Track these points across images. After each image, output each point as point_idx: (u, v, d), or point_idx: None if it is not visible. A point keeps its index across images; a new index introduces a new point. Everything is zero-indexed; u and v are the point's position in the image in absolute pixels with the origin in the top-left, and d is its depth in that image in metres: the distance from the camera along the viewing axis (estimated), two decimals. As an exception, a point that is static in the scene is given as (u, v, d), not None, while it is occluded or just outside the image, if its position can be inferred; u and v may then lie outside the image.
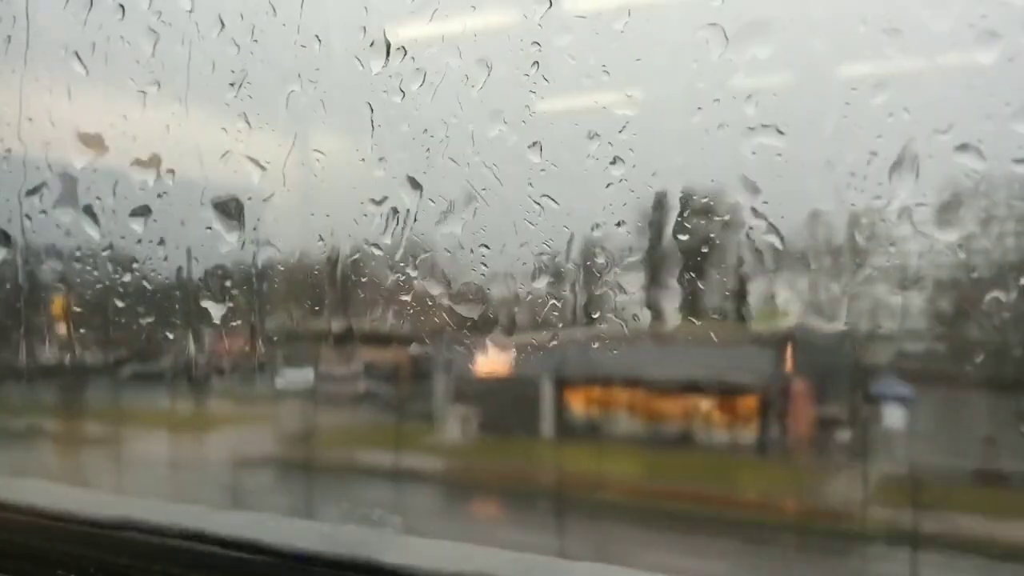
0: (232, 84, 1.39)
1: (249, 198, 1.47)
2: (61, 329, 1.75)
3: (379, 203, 1.34)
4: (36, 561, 1.42)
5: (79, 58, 1.55)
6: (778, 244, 1.13)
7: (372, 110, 1.32)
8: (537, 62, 1.18)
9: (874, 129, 1.02)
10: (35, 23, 1.60)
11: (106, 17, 1.51)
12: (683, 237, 1.20)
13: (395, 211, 1.33)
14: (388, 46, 1.28)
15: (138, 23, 1.47)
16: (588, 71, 1.17)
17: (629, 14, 1.13)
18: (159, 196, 1.51)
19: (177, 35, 1.43)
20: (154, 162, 1.49)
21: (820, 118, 1.07)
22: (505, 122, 1.23)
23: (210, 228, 1.49)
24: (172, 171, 1.50)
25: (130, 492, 2.21)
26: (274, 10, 1.36)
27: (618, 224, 1.20)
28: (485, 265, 1.29)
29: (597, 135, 1.18)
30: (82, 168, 1.58)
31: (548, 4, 1.17)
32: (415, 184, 1.31)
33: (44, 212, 1.62)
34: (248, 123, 1.41)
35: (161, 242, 1.54)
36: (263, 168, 1.43)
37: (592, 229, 1.23)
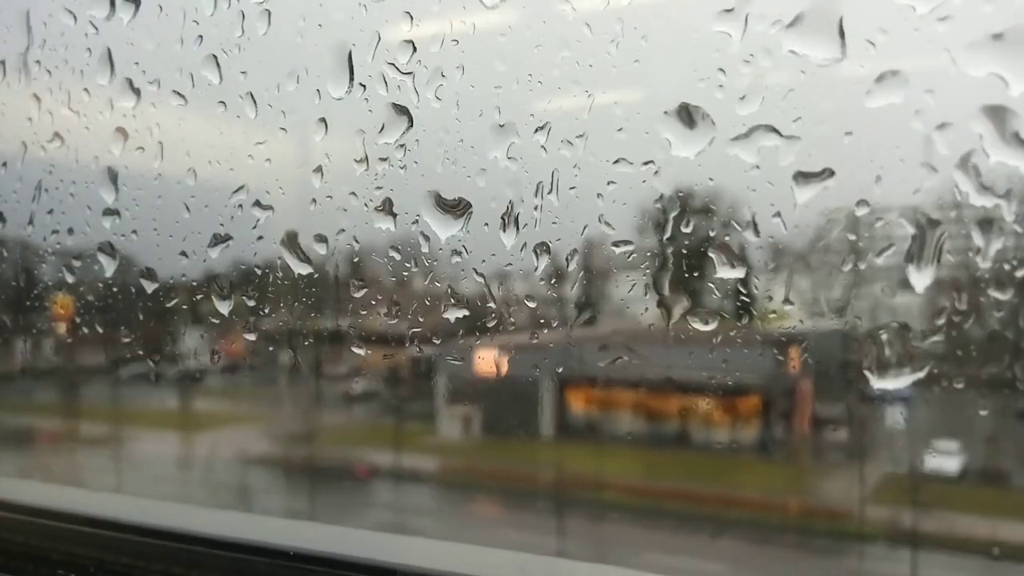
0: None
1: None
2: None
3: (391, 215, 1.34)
4: (36, 561, 1.42)
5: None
6: (779, 243, 1.13)
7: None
8: (538, 60, 1.18)
9: (876, 128, 1.02)
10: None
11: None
12: (683, 236, 1.19)
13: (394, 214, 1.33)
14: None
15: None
16: (588, 71, 1.17)
17: (628, 15, 1.13)
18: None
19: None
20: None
21: (822, 117, 1.07)
22: (505, 121, 1.22)
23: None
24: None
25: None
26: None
27: (615, 227, 1.20)
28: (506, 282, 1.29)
29: (597, 134, 1.18)
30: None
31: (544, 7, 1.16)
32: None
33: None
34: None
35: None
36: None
37: (593, 228, 1.23)
